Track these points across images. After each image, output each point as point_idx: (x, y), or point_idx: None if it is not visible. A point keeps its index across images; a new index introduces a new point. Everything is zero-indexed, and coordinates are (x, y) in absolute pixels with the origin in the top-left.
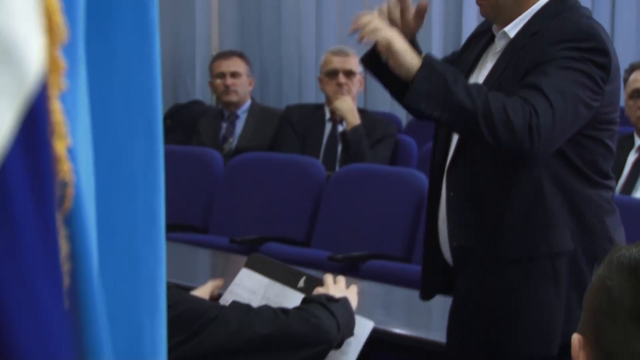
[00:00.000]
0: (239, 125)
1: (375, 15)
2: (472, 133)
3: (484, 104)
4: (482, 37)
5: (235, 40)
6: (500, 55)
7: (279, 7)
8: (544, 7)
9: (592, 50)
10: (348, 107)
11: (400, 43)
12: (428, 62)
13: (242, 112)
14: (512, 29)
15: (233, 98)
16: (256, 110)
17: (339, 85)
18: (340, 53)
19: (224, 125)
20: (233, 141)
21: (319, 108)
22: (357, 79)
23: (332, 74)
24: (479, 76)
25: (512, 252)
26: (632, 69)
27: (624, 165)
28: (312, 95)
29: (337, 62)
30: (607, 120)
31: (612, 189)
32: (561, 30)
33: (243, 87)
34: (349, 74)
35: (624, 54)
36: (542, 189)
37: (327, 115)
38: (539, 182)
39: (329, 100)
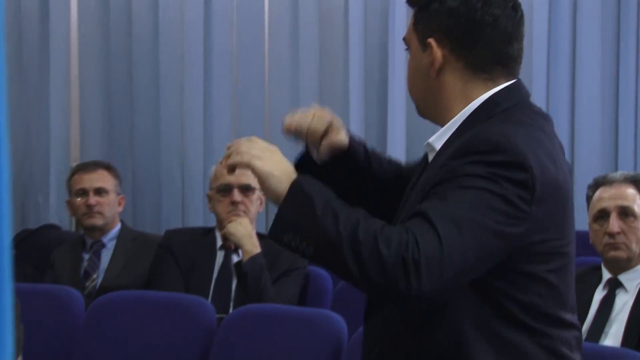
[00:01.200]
0: (106, 257)
1: (248, 139)
2: (339, 270)
3: (351, 234)
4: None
5: (101, 149)
6: (424, 173)
7: (156, 107)
8: (475, 112)
9: (502, 164)
10: (245, 231)
11: (266, 165)
12: (297, 185)
13: (110, 240)
14: (438, 140)
15: (97, 221)
16: (127, 237)
17: (234, 204)
18: None
19: (86, 256)
20: (98, 277)
21: (207, 233)
22: (257, 196)
23: (225, 190)
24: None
25: None
26: (596, 185)
27: (589, 305)
28: (198, 217)
29: (231, 176)
30: (546, 251)
31: (567, 338)
32: (467, 140)
33: (110, 208)
34: (246, 189)
35: (585, 168)
36: (466, 341)
37: (219, 242)
38: (460, 333)
39: (221, 224)
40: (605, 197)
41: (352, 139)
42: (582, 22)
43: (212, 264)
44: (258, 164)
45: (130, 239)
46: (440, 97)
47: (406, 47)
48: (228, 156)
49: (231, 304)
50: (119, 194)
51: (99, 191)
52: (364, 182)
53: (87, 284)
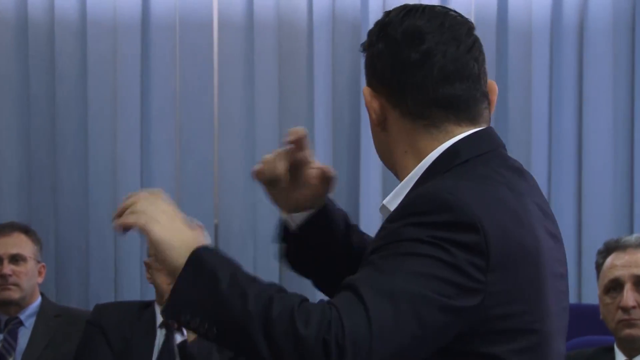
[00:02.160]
0: (24, 337)
1: (146, 195)
2: (248, 353)
3: (262, 312)
4: None
5: (18, 209)
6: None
7: (84, 158)
8: (432, 166)
9: (447, 225)
10: None
11: (165, 232)
12: (197, 257)
13: (28, 316)
14: (393, 201)
15: (13, 295)
16: (50, 313)
17: None
18: None
19: (0, 336)
20: None
21: (145, 308)
22: None
23: None
24: None
25: None
26: (607, 250)
27: None
28: (135, 288)
29: None
30: (511, 328)
31: None
32: (410, 199)
33: (29, 278)
34: None
35: (594, 230)
36: None
37: (159, 318)
38: None
39: (162, 297)
40: (618, 264)
41: (330, 201)
42: (590, 60)
43: (151, 345)
44: (155, 229)
45: (53, 316)
46: (392, 153)
47: None
48: (121, 212)
49: None
50: (39, 262)
51: (15, 258)
52: (343, 254)
53: None
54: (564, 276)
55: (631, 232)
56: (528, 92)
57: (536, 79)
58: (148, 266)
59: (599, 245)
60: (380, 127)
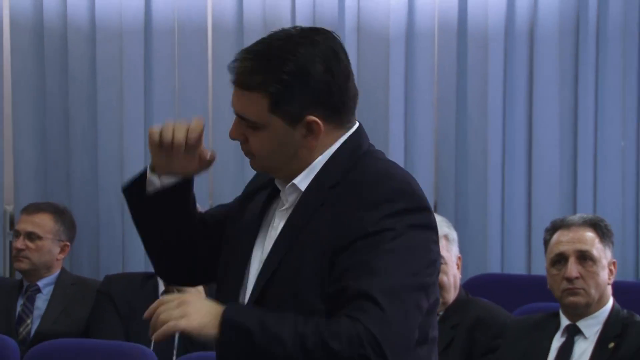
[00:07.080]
0: (41, 302)
1: (160, 302)
2: None
3: (301, 348)
4: (261, 192)
5: (36, 191)
6: (292, 212)
7: (94, 146)
8: (335, 155)
9: (413, 211)
10: None
11: (192, 319)
12: (225, 320)
13: (47, 285)
14: (303, 181)
15: (23, 266)
16: (66, 282)
17: None
18: None
19: (20, 301)
20: (32, 323)
21: (149, 278)
22: None
23: None
24: (268, 239)
25: None
26: (553, 228)
27: (547, 352)
28: (140, 261)
29: None
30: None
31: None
32: (372, 188)
33: (41, 255)
34: None
35: (543, 210)
36: None
37: (161, 287)
38: None
39: None
40: (564, 240)
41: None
42: (540, 61)
43: None
44: (183, 324)
45: (69, 284)
46: (305, 157)
47: (252, 128)
48: (154, 328)
49: (174, 352)
50: (60, 241)
51: (31, 236)
52: (187, 227)
53: (21, 330)
54: None
55: (575, 212)
56: (485, 90)
57: (492, 78)
58: None
59: (547, 224)
60: (311, 139)
